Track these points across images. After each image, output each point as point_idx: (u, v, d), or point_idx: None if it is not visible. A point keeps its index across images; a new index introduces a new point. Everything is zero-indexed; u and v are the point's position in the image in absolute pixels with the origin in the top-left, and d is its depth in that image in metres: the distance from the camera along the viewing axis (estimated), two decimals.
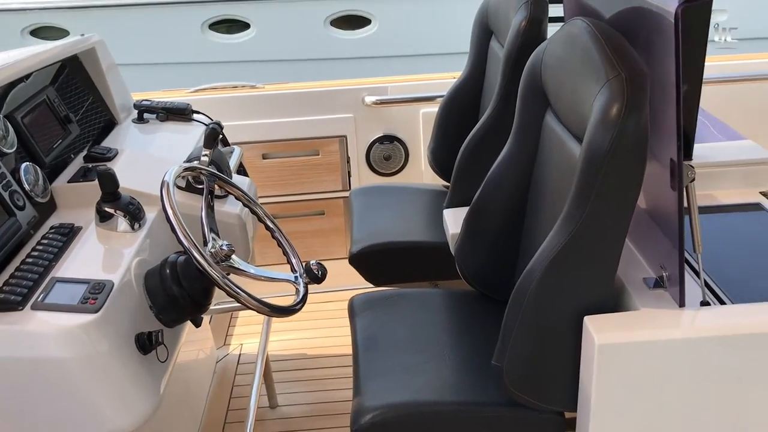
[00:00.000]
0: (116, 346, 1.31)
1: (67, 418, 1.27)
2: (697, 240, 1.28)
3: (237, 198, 1.65)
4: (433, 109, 2.88)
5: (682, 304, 1.31)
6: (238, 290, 1.35)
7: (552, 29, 1.77)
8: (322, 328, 2.84)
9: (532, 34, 1.83)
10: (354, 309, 1.80)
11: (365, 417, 1.43)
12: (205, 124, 2.09)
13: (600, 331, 1.24)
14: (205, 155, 1.76)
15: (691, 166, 1.23)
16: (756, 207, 1.72)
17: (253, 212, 1.66)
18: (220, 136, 1.95)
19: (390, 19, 6.25)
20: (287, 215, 2.96)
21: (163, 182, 1.42)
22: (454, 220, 1.90)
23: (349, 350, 2.67)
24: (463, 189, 1.98)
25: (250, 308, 1.39)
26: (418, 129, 2.94)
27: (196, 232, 1.55)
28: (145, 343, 1.37)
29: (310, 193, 2.96)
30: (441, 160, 2.38)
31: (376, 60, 6.15)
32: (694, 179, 1.25)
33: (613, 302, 1.34)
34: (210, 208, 1.53)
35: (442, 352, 1.59)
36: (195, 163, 1.63)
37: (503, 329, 1.35)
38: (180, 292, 1.42)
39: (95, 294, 1.33)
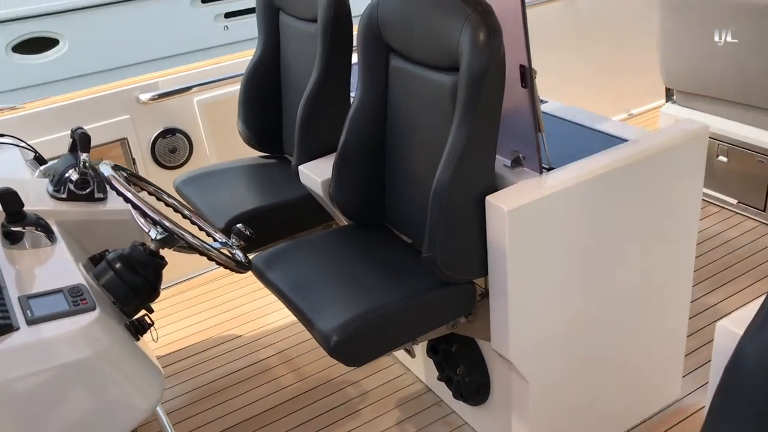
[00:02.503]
0: (119, 337, 1.39)
1: (101, 413, 1.33)
2: (540, 123, 1.76)
3: (151, 193, 1.74)
4: (206, 95, 3.06)
5: (540, 171, 1.78)
6: (219, 253, 1.50)
7: None
8: (194, 315, 2.95)
9: (341, 0, 2.15)
10: (260, 268, 1.99)
11: (334, 337, 1.68)
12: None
13: (504, 203, 1.66)
14: (85, 159, 1.79)
15: (533, 68, 1.69)
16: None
17: (168, 204, 1.76)
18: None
19: (80, 36, 5.93)
20: None
21: (106, 178, 1.49)
22: (315, 170, 2.17)
23: (225, 328, 2.83)
24: (308, 145, 2.25)
25: (220, 263, 1.55)
26: (196, 117, 3.08)
27: (96, 235, 1.64)
28: (138, 329, 1.45)
29: None
30: (256, 133, 2.60)
31: (72, 81, 5.82)
32: (535, 77, 1.71)
33: (495, 184, 1.77)
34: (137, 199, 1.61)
35: (363, 272, 1.89)
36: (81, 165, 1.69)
37: (429, 224, 1.70)
38: (140, 279, 1.52)
39: (79, 296, 1.39)
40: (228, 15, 5.57)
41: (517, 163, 1.84)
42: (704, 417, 2.20)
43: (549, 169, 1.81)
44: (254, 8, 5.60)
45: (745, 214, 3.22)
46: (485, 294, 1.87)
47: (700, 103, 3.32)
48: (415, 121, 1.90)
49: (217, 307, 3.02)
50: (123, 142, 2.98)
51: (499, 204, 1.66)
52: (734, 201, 3.24)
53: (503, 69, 1.62)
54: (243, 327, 2.88)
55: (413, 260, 1.93)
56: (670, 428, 2.19)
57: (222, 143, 3.12)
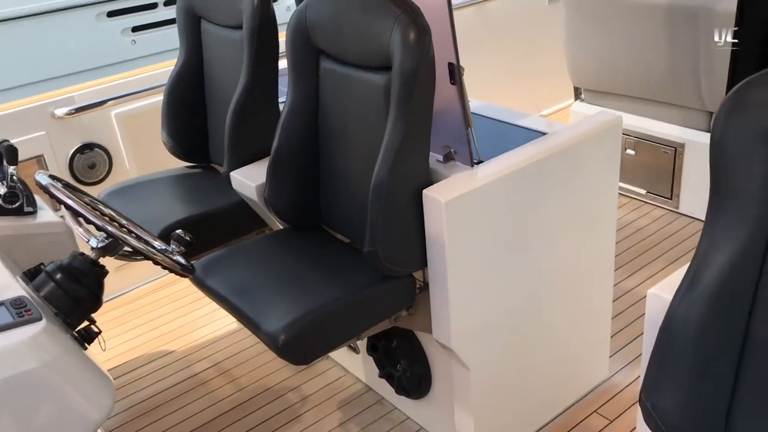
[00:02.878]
0: (67, 347, 1.36)
1: (53, 425, 1.30)
2: (469, 118, 1.83)
3: (87, 203, 1.70)
4: (125, 108, 3.00)
5: (472, 165, 1.85)
6: (164, 257, 1.49)
7: None
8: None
9: (266, 6, 2.17)
10: (199, 276, 1.97)
11: (281, 337, 1.69)
12: None
13: (441, 195, 1.72)
14: (12, 172, 1.74)
15: (461, 65, 1.76)
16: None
17: (105, 214, 1.73)
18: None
19: None
20: None
21: (44, 186, 1.45)
22: (248, 176, 2.17)
23: (156, 344, 2.77)
24: (238, 152, 2.25)
25: (166, 267, 1.53)
26: (115, 131, 3.01)
27: (28, 249, 1.61)
28: (85, 338, 1.42)
29: None
30: (181, 143, 2.57)
31: None
32: (463, 74, 1.78)
33: (430, 179, 1.83)
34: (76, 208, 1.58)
35: (304, 273, 1.90)
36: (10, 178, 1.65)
37: (369, 220, 1.74)
38: (82, 289, 1.49)
39: (23, 307, 1.35)
40: (135, 29, 5.43)
41: (449, 157, 1.90)
42: (632, 393, 2.32)
43: (479, 163, 1.88)
44: (163, 21, 5.51)
45: (654, 203, 3.42)
46: (425, 286, 1.92)
47: (607, 100, 3.51)
48: (348, 121, 1.93)
49: (146, 324, 2.95)
50: (39, 159, 2.88)
51: (436, 196, 1.72)
52: (643, 191, 3.43)
53: (433, 67, 1.68)
54: (175, 342, 2.82)
55: (352, 258, 1.96)
56: (601, 406, 2.30)
57: (143, 157, 3.06)
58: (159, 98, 2.98)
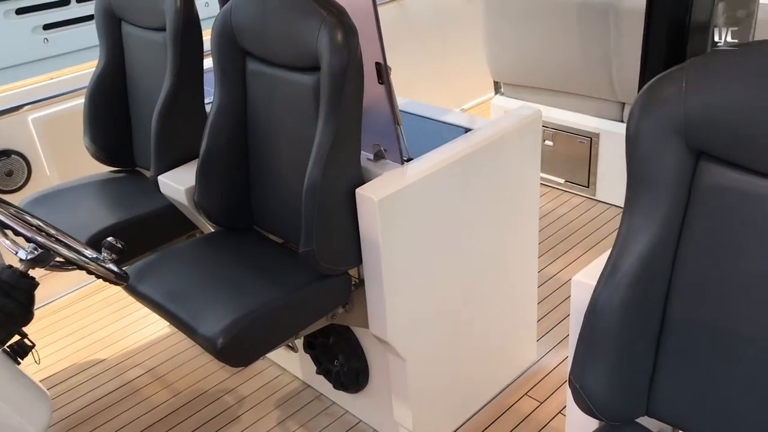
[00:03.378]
0: (0, 362, 1.34)
1: None
2: (398, 116, 1.87)
3: (12, 214, 1.65)
4: (43, 113, 2.92)
5: (402, 162, 1.90)
6: (98, 266, 1.47)
7: None
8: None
9: (189, 7, 2.15)
10: (131, 283, 1.95)
11: (220, 340, 1.69)
12: None
13: (373, 193, 1.76)
14: None
15: (388, 65, 1.80)
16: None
17: (31, 224, 1.69)
18: None
19: None
20: None
21: None
22: (176, 179, 2.15)
23: (86, 354, 2.72)
24: (165, 155, 2.23)
25: (100, 276, 1.52)
26: (32, 136, 2.93)
27: None
28: (17, 353, 1.40)
29: None
30: (105, 147, 2.52)
31: None
32: (390, 74, 1.82)
33: (362, 177, 1.86)
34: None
35: (239, 275, 1.91)
36: None
37: (304, 220, 1.76)
38: (12, 303, 1.46)
39: None
40: (47, 27, 5.24)
41: (379, 156, 1.94)
42: (560, 374, 2.43)
43: (409, 160, 1.93)
44: (77, 19, 5.34)
45: (572, 191, 3.56)
46: (360, 283, 1.96)
47: (526, 93, 3.63)
48: (278, 122, 1.95)
49: (75, 333, 2.88)
50: None
51: (369, 195, 1.76)
52: (562, 180, 3.57)
53: (361, 66, 1.71)
54: (106, 350, 2.77)
55: (287, 258, 1.98)
56: (531, 389, 2.40)
57: (64, 162, 2.98)
58: (80, 102, 2.91)
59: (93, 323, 2.93)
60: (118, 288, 3.15)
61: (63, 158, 2.97)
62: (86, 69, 3.07)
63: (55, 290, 3.09)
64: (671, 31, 1.66)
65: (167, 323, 2.89)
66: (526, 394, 2.38)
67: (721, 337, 1.18)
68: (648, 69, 1.80)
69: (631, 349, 1.24)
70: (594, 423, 1.44)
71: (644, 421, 1.38)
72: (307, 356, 2.39)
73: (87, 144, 2.52)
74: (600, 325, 1.24)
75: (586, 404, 1.28)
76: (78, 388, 2.58)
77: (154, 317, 2.94)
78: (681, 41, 1.63)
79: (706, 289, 1.18)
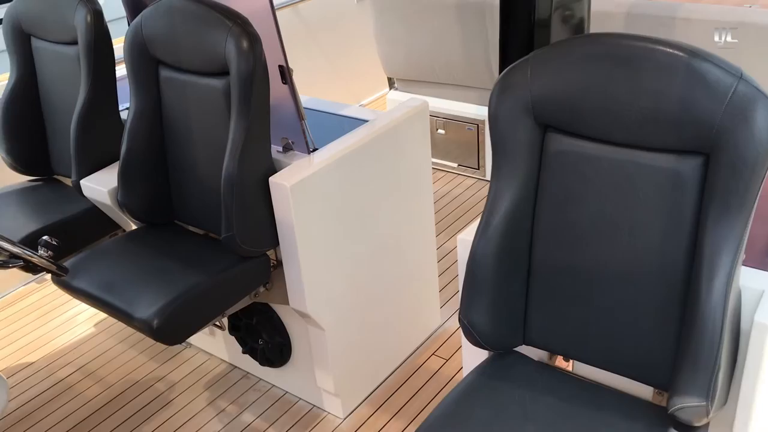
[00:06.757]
0: None
1: None
2: (302, 112, 2.11)
3: None
4: None
5: (308, 152, 2.14)
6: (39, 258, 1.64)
7: None
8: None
9: (99, 22, 2.31)
10: (64, 279, 2.10)
11: (155, 321, 1.88)
12: None
13: (286, 180, 1.99)
14: None
15: (290, 67, 2.03)
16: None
17: None
18: None
19: None
20: None
21: None
22: (98, 182, 2.31)
23: (15, 358, 2.81)
24: (85, 160, 2.37)
25: (43, 267, 1.67)
26: None
27: None
28: None
29: None
30: (21, 158, 2.63)
31: None
32: (292, 74, 2.05)
33: (274, 167, 2.09)
34: None
35: (166, 264, 2.10)
36: None
37: (224, 209, 1.97)
38: None
39: None
40: None
41: (287, 148, 2.17)
42: (461, 335, 2.73)
43: (314, 150, 2.17)
44: None
45: (465, 174, 3.90)
46: (278, 264, 2.19)
47: (418, 87, 3.94)
48: (192, 123, 2.14)
49: (1, 340, 2.96)
50: None
51: (281, 182, 1.99)
52: (455, 165, 3.90)
53: (266, 69, 1.94)
54: (35, 353, 2.87)
55: (208, 246, 2.18)
56: (438, 349, 2.70)
57: None
58: None
59: (19, 329, 3.02)
60: (40, 294, 3.23)
61: None
62: None
63: None
64: (521, 28, 1.97)
65: (94, 323, 3.01)
66: (433, 353, 2.67)
67: (573, 273, 1.49)
68: (505, 59, 2.11)
69: (506, 289, 1.53)
70: (484, 354, 1.73)
71: (523, 349, 1.68)
72: (232, 339, 2.59)
73: (2, 155, 2.62)
74: (479, 271, 1.52)
75: (474, 338, 1.56)
76: (10, 390, 2.67)
77: (81, 318, 3.05)
78: (529, 36, 1.95)
79: (558, 235, 1.49)
